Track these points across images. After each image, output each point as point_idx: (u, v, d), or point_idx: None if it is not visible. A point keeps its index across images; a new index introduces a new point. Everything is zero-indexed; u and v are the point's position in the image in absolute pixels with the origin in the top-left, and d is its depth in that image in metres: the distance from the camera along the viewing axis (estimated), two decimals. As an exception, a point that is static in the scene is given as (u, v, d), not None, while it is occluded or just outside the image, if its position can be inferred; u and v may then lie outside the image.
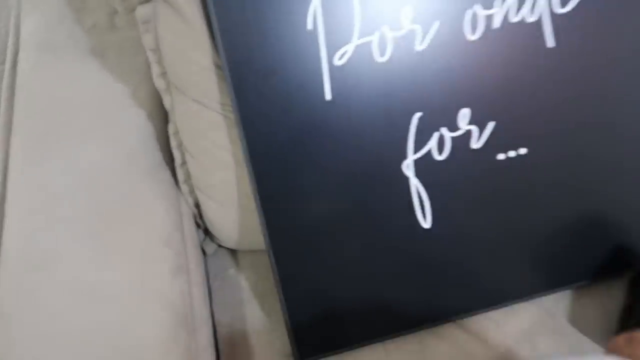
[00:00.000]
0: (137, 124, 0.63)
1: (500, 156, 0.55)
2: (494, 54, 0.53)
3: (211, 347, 0.55)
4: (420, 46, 0.51)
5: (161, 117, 0.64)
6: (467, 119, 0.54)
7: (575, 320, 0.59)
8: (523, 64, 0.53)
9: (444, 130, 0.53)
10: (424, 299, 0.57)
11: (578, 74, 0.55)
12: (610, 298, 0.61)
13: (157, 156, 0.63)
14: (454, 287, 0.57)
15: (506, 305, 0.59)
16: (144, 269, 0.53)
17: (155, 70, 0.58)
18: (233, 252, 0.67)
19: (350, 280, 0.55)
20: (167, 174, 0.63)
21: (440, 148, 0.54)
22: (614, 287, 0.61)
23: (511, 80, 0.54)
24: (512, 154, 0.55)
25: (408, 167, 0.54)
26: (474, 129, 0.54)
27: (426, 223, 0.55)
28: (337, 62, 0.50)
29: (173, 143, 0.60)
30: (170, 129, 0.61)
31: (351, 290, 0.55)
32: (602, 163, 0.58)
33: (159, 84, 0.59)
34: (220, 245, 0.67)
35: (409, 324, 0.58)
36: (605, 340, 0.56)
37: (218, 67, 0.53)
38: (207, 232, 0.66)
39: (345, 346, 0.57)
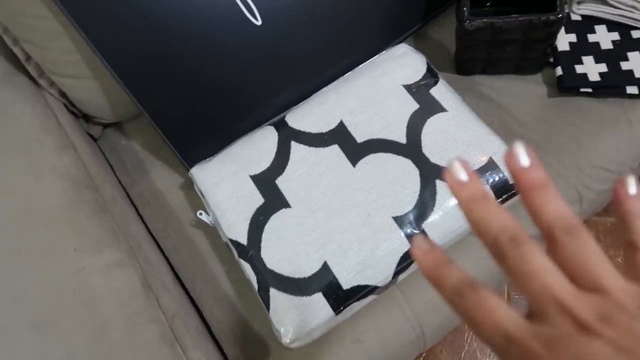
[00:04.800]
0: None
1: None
2: None
3: (122, 200, 0.62)
4: None
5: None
6: None
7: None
8: None
9: None
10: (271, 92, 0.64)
11: None
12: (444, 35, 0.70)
13: (4, 66, 0.65)
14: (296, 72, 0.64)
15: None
16: (31, 153, 0.58)
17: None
18: (119, 127, 0.72)
19: (204, 88, 0.61)
20: (22, 77, 0.65)
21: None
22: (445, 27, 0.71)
23: None
24: None
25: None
26: None
27: (257, 21, 0.60)
28: None
29: (6, 40, 0.61)
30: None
31: (207, 97, 0.61)
32: None
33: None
34: (105, 126, 0.71)
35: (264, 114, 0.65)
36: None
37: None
38: (87, 119, 0.70)
39: (223, 145, 0.63)
